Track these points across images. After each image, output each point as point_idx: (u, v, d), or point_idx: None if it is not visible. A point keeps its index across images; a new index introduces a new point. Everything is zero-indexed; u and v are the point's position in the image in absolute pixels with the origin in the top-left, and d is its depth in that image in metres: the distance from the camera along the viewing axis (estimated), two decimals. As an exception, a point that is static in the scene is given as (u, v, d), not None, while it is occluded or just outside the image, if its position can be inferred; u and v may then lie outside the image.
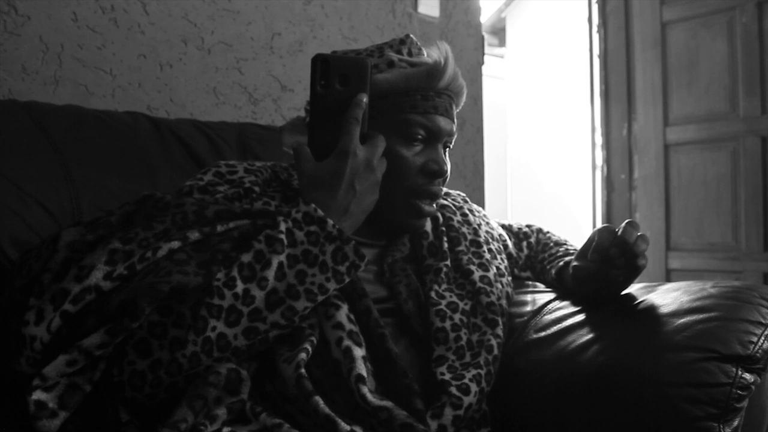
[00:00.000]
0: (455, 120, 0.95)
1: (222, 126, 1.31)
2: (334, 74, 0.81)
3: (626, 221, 0.89)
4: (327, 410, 0.70)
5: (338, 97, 0.81)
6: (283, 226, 0.75)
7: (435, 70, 0.90)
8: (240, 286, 0.71)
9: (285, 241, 0.74)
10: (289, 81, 1.65)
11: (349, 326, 0.78)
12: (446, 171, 0.92)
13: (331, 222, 0.76)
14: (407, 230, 0.97)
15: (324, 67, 0.81)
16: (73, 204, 1.01)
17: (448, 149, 0.96)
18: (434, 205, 0.95)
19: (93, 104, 1.32)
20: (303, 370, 0.72)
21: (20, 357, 0.69)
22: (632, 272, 0.91)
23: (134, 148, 1.13)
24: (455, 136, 0.97)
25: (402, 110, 0.90)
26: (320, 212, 0.77)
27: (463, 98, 0.98)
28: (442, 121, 0.91)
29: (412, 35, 0.96)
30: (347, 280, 0.78)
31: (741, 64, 2.75)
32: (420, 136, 0.90)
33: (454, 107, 0.95)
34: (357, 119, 0.79)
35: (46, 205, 0.97)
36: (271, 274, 0.73)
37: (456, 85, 0.94)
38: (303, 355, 0.73)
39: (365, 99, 0.80)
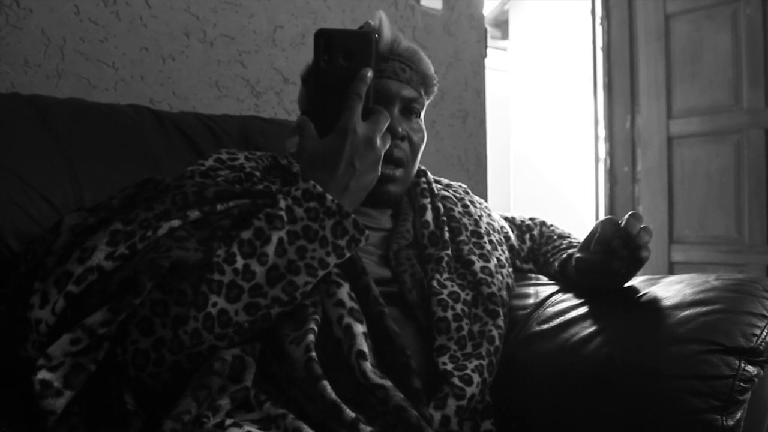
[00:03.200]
0: (414, 83, 0.97)
1: (225, 119, 1.31)
2: (338, 49, 0.79)
3: (629, 213, 0.89)
4: (333, 396, 0.70)
5: (342, 72, 0.79)
6: (282, 204, 0.75)
7: None
8: (240, 262, 0.71)
9: (285, 218, 0.74)
10: (292, 74, 1.64)
11: (350, 304, 0.78)
12: (400, 132, 0.94)
13: (330, 197, 0.76)
14: (380, 198, 0.96)
15: (328, 41, 0.79)
16: (76, 197, 1.01)
17: (415, 114, 0.98)
18: (398, 171, 0.96)
19: (95, 97, 1.32)
20: (313, 353, 0.73)
21: (26, 342, 0.70)
22: (635, 264, 0.91)
23: (137, 141, 1.14)
24: (423, 100, 1.00)
25: None
26: (319, 188, 0.76)
27: (424, 61, 1.00)
28: (393, 84, 0.94)
29: (369, 21, 0.97)
30: (348, 254, 0.77)
31: (745, 56, 2.74)
32: None
33: (408, 70, 0.97)
34: (360, 95, 0.78)
35: (49, 198, 0.97)
36: (271, 249, 0.72)
37: (401, 48, 0.97)
38: (311, 337, 0.74)
39: (369, 74, 0.79)
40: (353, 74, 0.79)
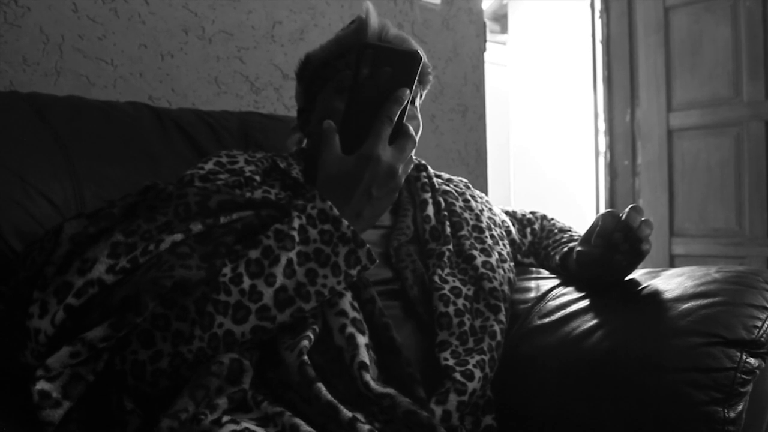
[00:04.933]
0: None
1: (224, 115, 1.31)
2: (380, 64, 0.74)
3: (630, 206, 0.89)
4: (329, 397, 0.70)
5: (380, 89, 0.75)
6: (296, 223, 0.73)
7: (360, 25, 0.95)
8: (247, 282, 0.70)
9: (297, 238, 0.73)
10: (291, 69, 1.63)
11: (352, 314, 0.78)
12: None
13: (345, 223, 0.74)
14: None
15: (371, 55, 0.74)
16: (76, 195, 1.01)
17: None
18: None
19: (94, 95, 1.32)
20: (306, 357, 0.72)
21: (25, 349, 0.70)
22: (636, 257, 0.90)
23: (136, 139, 1.13)
24: (416, 88, 0.99)
25: (338, 70, 0.95)
26: (335, 211, 0.74)
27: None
28: None
29: (361, 15, 0.97)
30: (355, 279, 0.77)
31: (745, 48, 2.73)
32: None
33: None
34: (391, 118, 0.75)
35: (50, 196, 0.97)
36: (279, 270, 0.71)
37: (390, 35, 0.97)
38: (305, 342, 0.73)
39: (407, 94, 0.75)
40: (390, 93, 0.75)
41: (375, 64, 0.75)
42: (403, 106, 0.76)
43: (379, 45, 0.76)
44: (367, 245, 0.75)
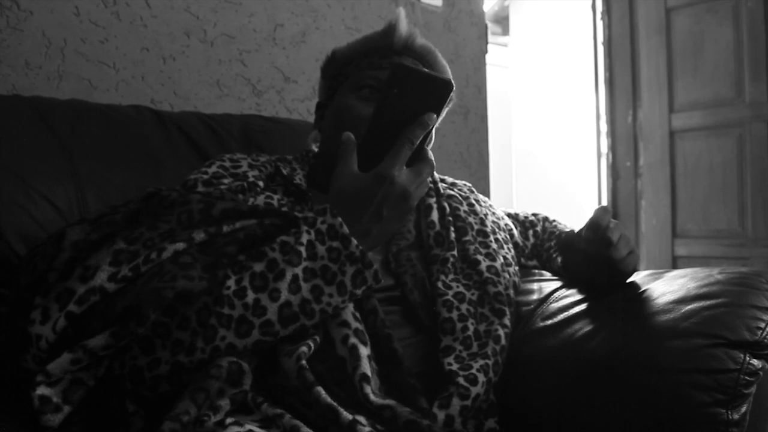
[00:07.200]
0: None
1: (226, 118, 1.31)
2: (411, 87, 0.73)
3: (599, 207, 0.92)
4: (329, 400, 0.70)
5: (407, 110, 0.74)
6: (305, 238, 0.73)
7: (389, 29, 0.96)
8: (251, 296, 0.70)
9: (304, 254, 0.72)
10: (293, 72, 1.64)
11: (354, 324, 0.77)
12: None
13: (354, 242, 0.73)
14: None
15: (404, 76, 0.73)
16: (78, 198, 1.01)
17: None
18: None
19: (97, 98, 1.32)
20: (304, 362, 0.72)
21: (26, 354, 0.69)
22: (605, 250, 0.92)
23: (139, 142, 1.14)
24: None
25: (360, 69, 0.96)
26: (345, 229, 0.73)
27: (439, 63, 1.02)
28: None
29: (392, 21, 0.98)
30: (359, 297, 0.76)
31: (747, 49, 2.73)
32: (370, 85, 0.94)
33: (421, 67, 0.96)
34: (412, 142, 0.74)
35: (52, 200, 0.97)
36: (284, 285, 0.70)
37: (416, 44, 0.98)
38: (304, 348, 0.73)
39: (434, 119, 0.75)
40: (416, 116, 0.74)
41: (406, 86, 0.73)
42: (427, 131, 0.75)
43: (413, 68, 0.75)
44: (375, 266, 0.74)
